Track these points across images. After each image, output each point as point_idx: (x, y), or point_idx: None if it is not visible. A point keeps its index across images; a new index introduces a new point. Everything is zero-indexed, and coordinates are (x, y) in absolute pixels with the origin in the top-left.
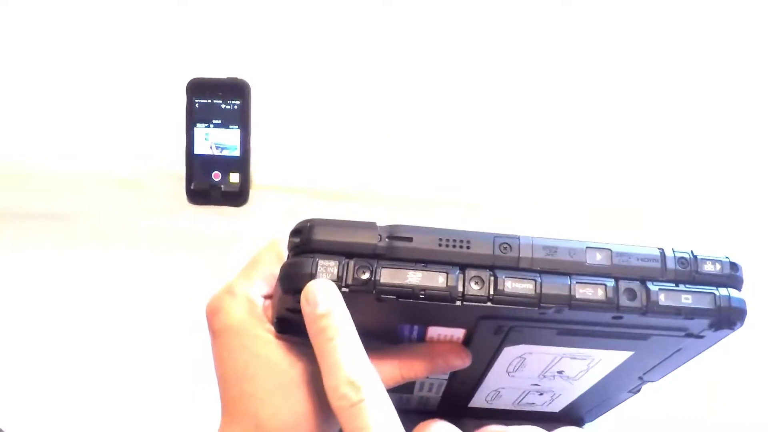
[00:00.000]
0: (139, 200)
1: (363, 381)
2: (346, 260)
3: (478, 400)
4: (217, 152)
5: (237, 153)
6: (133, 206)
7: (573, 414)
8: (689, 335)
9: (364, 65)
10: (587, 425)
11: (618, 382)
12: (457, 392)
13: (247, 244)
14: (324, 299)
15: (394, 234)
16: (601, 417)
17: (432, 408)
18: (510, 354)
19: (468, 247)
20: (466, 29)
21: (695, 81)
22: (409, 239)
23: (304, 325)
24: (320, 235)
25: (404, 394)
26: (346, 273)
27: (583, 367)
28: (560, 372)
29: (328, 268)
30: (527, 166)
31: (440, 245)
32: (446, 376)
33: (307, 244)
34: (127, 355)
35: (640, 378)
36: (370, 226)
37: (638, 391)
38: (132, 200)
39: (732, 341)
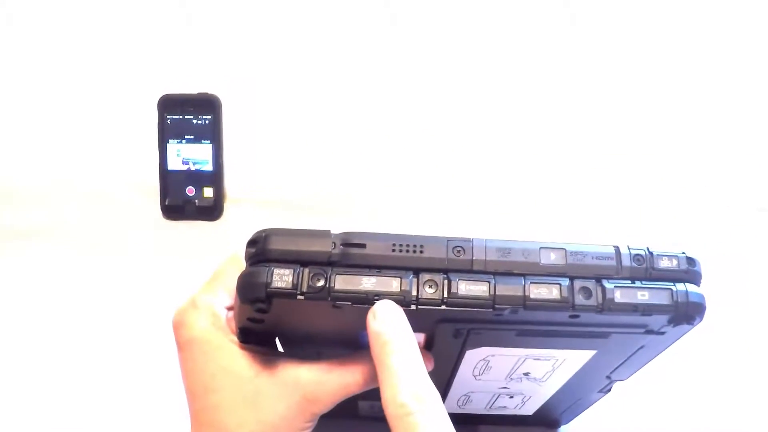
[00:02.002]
0: (114, 216)
1: (422, 392)
2: (301, 268)
3: (450, 406)
4: (190, 167)
5: (210, 168)
6: (108, 222)
7: (547, 416)
8: (649, 332)
9: (334, 76)
10: (563, 427)
11: (586, 382)
12: None
13: (223, 258)
14: (389, 316)
15: (348, 241)
16: (577, 418)
17: None
18: (473, 357)
19: (421, 252)
20: (441, 32)
21: (660, 81)
22: (363, 245)
23: (267, 335)
24: (275, 245)
25: (376, 401)
26: (301, 281)
27: (548, 368)
28: (526, 374)
29: (283, 276)
30: (497, 169)
31: (393, 250)
32: None
33: (262, 253)
34: (101, 370)
35: (608, 377)
36: (324, 234)
37: (609, 390)
38: (107, 216)
39: (698, 337)
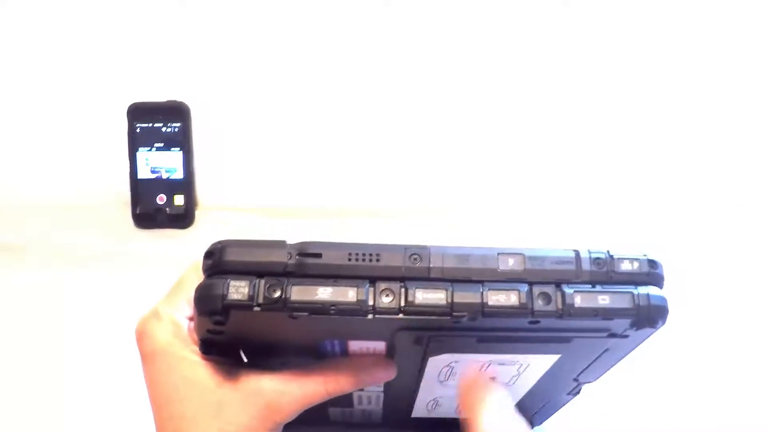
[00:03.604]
0: (86, 227)
1: None
2: (257, 279)
3: (420, 410)
4: (160, 175)
5: (180, 175)
6: (80, 233)
7: None
8: (612, 335)
9: (305, 82)
10: (536, 429)
11: (554, 385)
12: (396, 404)
13: (184, 268)
14: None
15: (304, 251)
16: (550, 419)
17: (377, 420)
18: (437, 363)
19: (378, 260)
20: (413, 34)
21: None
22: (319, 255)
23: (229, 346)
24: (231, 256)
25: (345, 408)
26: (257, 292)
27: (514, 373)
28: (493, 378)
29: (239, 288)
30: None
31: (350, 260)
32: (381, 388)
33: (219, 265)
34: (77, 379)
35: (576, 380)
36: (280, 244)
37: (578, 392)
38: (79, 227)
39: (674, 333)
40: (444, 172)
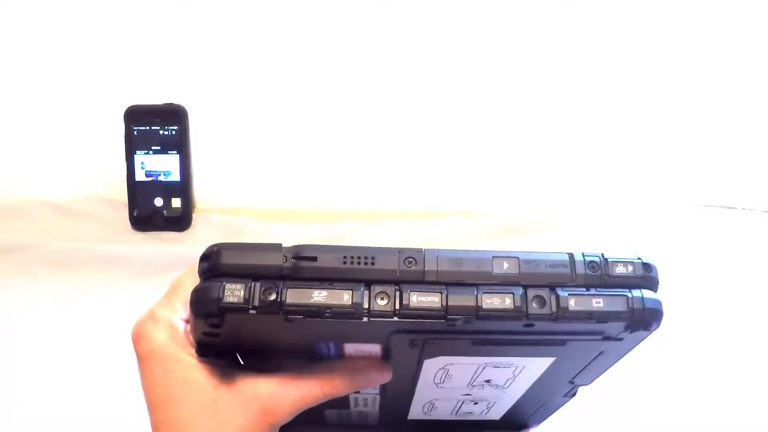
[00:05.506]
0: (83, 229)
1: None
2: (253, 282)
3: (416, 413)
4: (157, 178)
5: (177, 178)
6: (77, 236)
7: (515, 421)
8: (607, 338)
9: (302, 84)
10: (532, 430)
11: (549, 387)
12: (392, 406)
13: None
14: None
15: (299, 254)
16: (546, 421)
17: (373, 422)
18: (432, 366)
19: (373, 263)
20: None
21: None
22: (314, 258)
23: (225, 348)
24: (227, 259)
25: (342, 410)
26: (253, 295)
27: (509, 375)
28: (488, 381)
29: (234, 291)
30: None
31: (345, 263)
32: (377, 391)
33: (215, 268)
34: (73, 381)
35: (571, 382)
36: (275, 247)
37: (574, 394)
38: (77, 229)
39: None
40: (440, 175)
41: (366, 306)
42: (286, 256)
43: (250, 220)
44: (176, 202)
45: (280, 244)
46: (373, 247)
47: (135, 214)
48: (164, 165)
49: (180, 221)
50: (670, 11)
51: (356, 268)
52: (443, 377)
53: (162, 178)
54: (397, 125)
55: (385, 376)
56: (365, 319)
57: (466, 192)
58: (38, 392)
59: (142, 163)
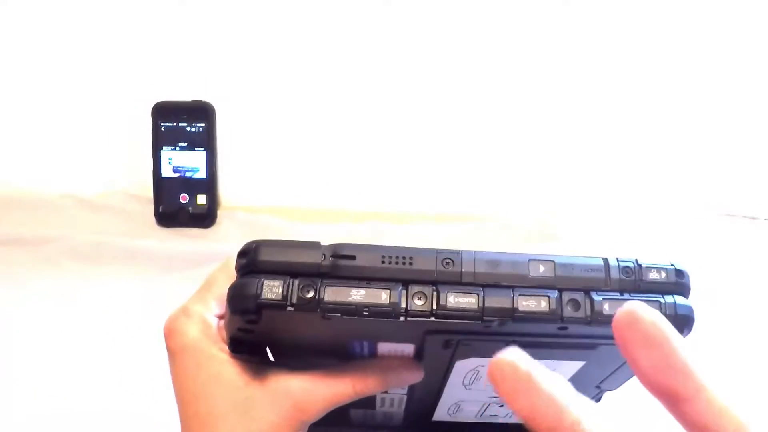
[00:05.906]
0: (109, 224)
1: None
2: (291, 280)
3: (441, 414)
4: (183, 175)
5: (203, 175)
6: (103, 230)
7: None
8: None
9: (329, 83)
10: None
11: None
12: (418, 407)
13: (215, 266)
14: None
15: (338, 252)
16: None
17: (398, 423)
18: (463, 367)
19: (411, 264)
20: (438, 40)
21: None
22: (353, 257)
23: (257, 345)
24: (265, 256)
25: (367, 410)
26: (291, 292)
27: None
28: None
29: (273, 288)
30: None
31: (383, 262)
32: (404, 391)
33: (253, 264)
34: (93, 376)
35: (598, 387)
36: (314, 245)
37: (599, 400)
38: (102, 225)
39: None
40: (463, 178)
41: (403, 306)
42: (324, 254)
43: (275, 218)
44: (202, 199)
45: (318, 242)
46: (411, 248)
47: (160, 210)
48: (191, 162)
49: (205, 218)
50: (693, 10)
51: (394, 268)
52: (473, 379)
53: (188, 174)
54: (424, 129)
55: (417, 376)
56: (402, 318)
57: (488, 196)
58: (61, 387)
59: (170, 158)
